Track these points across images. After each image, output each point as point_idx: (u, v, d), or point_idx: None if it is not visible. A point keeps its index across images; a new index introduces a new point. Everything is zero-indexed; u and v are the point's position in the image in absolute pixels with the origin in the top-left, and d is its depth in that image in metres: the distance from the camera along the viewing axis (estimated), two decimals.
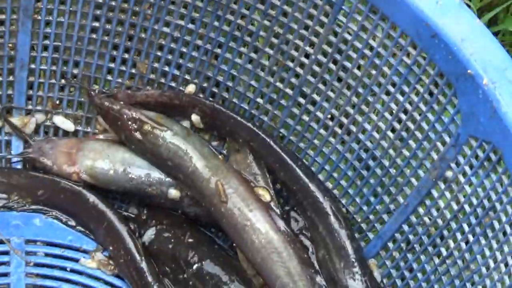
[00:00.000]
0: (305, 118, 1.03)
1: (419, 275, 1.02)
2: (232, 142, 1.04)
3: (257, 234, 0.97)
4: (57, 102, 1.07)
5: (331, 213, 0.99)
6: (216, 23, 1.04)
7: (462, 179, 0.93)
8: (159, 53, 1.03)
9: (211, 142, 1.06)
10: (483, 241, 0.93)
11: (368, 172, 1.03)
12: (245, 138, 1.02)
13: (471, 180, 0.92)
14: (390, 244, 1.02)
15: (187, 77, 1.05)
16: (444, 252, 0.97)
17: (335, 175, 1.05)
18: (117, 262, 1.02)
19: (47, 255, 1.02)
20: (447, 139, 0.93)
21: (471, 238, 0.94)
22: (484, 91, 0.86)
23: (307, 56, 1.02)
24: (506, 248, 0.90)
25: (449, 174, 0.94)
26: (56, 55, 1.05)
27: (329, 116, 1.04)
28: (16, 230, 1.04)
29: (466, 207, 0.94)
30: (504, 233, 0.89)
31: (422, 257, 1.00)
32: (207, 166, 0.99)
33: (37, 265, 1.01)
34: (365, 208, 1.02)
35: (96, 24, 1.03)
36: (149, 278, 0.99)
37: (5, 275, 1.01)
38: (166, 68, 1.05)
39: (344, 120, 1.03)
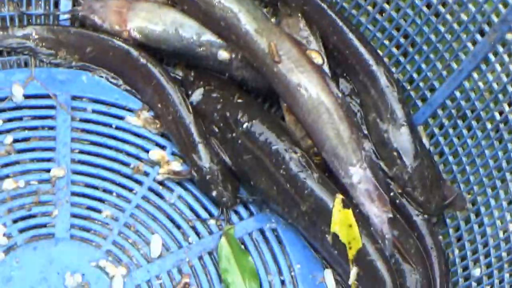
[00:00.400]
0: None
1: (469, 141, 1.02)
2: (284, 7, 1.03)
3: (310, 94, 0.97)
4: None
5: (383, 77, 0.99)
6: None
7: None
8: None
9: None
10: None
11: (422, 39, 1.03)
12: (298, 2, 1.02)
13: None
14: (440, 111, 1.03)
15: None
16: (497, 116, 0.97)
17: (386, 42, 1.05)
18: (165, 120, 1.02)
19: (93, 111, 1.01)
20: (510, 0, 0.94)
21: None
22: None
23: None
24: None
25: (509, 36, 0.94)
26: None
27: None
28: (63, 85, 1.04)
29: None
30: None
31: (474, 123, 1.01)
32: (261, 28, 0.99)
33: (83, 120, 1.01)
34: (415, 75, 1.03)
35: None
36: (196, 137, 1.00)
37: (52, 128, 1.01)
38: None
39: None
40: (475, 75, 0.99)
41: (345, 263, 0.98)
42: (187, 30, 1.00)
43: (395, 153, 1.00)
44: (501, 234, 1.00)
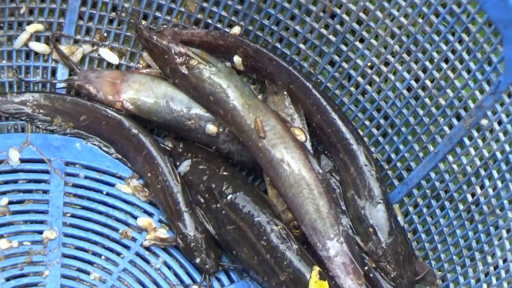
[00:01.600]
0: (345, 65, 1.05)
1: (442, 220, 1.05)
2: (271, 85, 1.06)
3: (292, 170, 1.00)
4: (105, 34, 1.09)
5: (363, 156, 1.02)
6: None
7: (497, 127, 0.95)
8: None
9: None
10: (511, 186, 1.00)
11: (401, 121, 1.06)
12: (284, 81, 1.06)
13: (506, 128, 0.94)
14: (415, 191, 1.05)
15: (233, 18, 1.08)
16: (469, 198, 1.00)
17: (367, 122, 1.07)
18: (153, 189, 1.05)
19: (85, 177, 1.04)
20: (486, 87, 0.96)
21: (499, 184, 0.97)
22: None
23: (354, 2, 1.02)
24: None
25: (484, 122, 0.97)
26: None
27: (368, 64, 1.06)
28: (57, 151, 1.06)
29: (498, 154, 0.97)
30: None
31: (446, 203, 1.03)
32: (247, 104, 1.02)
33: (75, 185, 1.04)
34: (393, 155, 1.06)
35: None
36: (183, 206, 1.02)
37: (45, 192, 1.03)
38: (214, 9, 1.07)
39: (384, 68, 1.05)
40: (450, 157, 1.02)
41: None
42: (177, 103, 1.04)
43: (371, 229, 1.02)
44: None
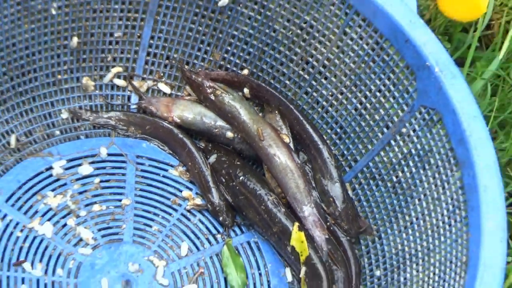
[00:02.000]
0: (315, 94, 1.19)
1: (377, 193, 1.16)
2: (267, 107, 1.21)
3: (280, 161, 1.13)
4: (161, 74, 1.22)
5: (326, 152, 1.15)
6: (266, 30, 1.16)
7: (412, 133, 1.09)
8: (228, 48, 1.18)
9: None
10: (421, 171, 1.08)
11: (350, 129, 1.18)
12: (275, 104, 1.18)
13: (418, 134, 1.09)
14: (359, 175, 1.18)
15: (243, 64, 1.20)
16: (394, 178, 1.12)
17: (328, 131, 1.20)
18: (192, 172, 1.19)
19: (149, 165, 1.17)
20: (405, 108, 1.10)
21: (413, 170, 1.10)
22: (435, 76, 1.01)
23: (321, 54, 1.14)
24: (436, 175, 1.06)
25: (403, 130, 1.10)
26: (165, 44, 1.19)
27: (330, 93, 1.17)
28: (131, 149, 1.20)
29: (413, 150, 1.09)
30: (437, 166, 1.06)
31: (380, 182, 1.15)
32: (252, 119, 1.16)
33: (143, 170, 1.19)
34: (345, 152, 1.19)
35: (192, 26, 1.17)
36: (211, 184, 1.17)
37: (123, 174, 1.18)
38: (231, 58, 1.20)
39: (339, 96, 1.17)
40: (382, 153, 1.14)
41: (298, 264, 1.12)
42: (208, 118, 1.18)
43: (331, 199, 1.15)
44: (393, 250, 1.13)
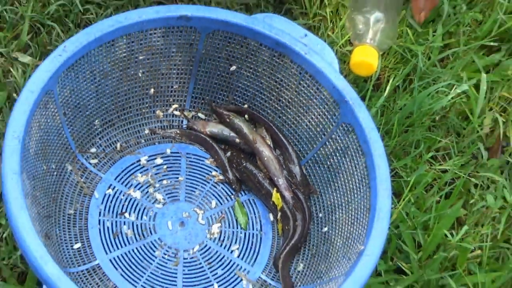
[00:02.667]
0: (284, 117, 1.31)
1: (319, 171, 1.28)
2: (258, 125, 1.33)
3: (266, 154, 1.27)
4: (199, 108, 1.35)
5: (290, 149, 1.28)
6: (256, 83, 1.29)
7: (338, 138, 1.20)
8: (236, 93, 1.32)
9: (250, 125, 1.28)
10: (343, 158, 1.21)
11: (304, 135, 1.29)
12: (262, 123, 1.32)
13: (341, 138, 1.21)
14: (309, 161, 1.29)
15: (244, 102, 1.32)
16: (328, 163, 1.24)
17: (292, 137, 1.31)
18: (217, 162, 1.30)
19: (194, 158, 1.31)
20: (334, 123, 1.20)
21: (339, 157, 1.22)
22: (350, 106, 1.12)
23: (287, 95, 1.25)
24: (352, 160, 1.18)
25: (333, 136, 1.21)
26: (201, 91, 1.32)
27: (292, 117, 1.28)
28: (184, 149, 1.30)
29: (339, 147, 1.21)
30: (352, 155, 1.19)
31: (319, 165, 1.27)
32: (250, 132, 1.29)
33: (191, 160, 1.31)
34: (301, 148, 1.30)
35: (216, 81, 1.30)
36: (227, 167, 1.29)
37: (179, 163, 1.28)
38: (238, 98, 1.31)
39: (298, 118, 1.26)
40: (321, 149, 1.27)
41: (276, 211, 1.24)
42: (226, 131, 1.31)
43: (293, 174, 1.27)
44: (328, 202, 1.28)
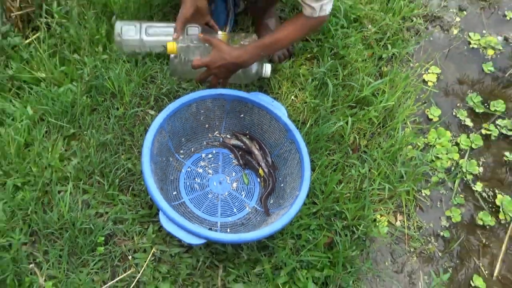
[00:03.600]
0: (264, 137, 1.40)
1: (279, 160, 1.40)
2: (252, 140, 1.42)
3: (255, 152, 1.38)
4: (227, 133, 1.42)
5: (267, 151, 1.41)
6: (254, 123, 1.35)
7: (285, 146, 1.31)
8: (243, 128, 1.36)
9: None
10: (289, 154, 1.32)
11: (273, 144, 1.39)
12: (254, 139, 1.40)
13: (288, 146, 1.30)
14: (275, 156, 1.41)
15: (247, 131, 1.39)
16: (282, 156, 1.35)
17: (266, 145, 1.39)
18: (235, 156, 1.37)
19: (225, 154, 1.38)
20: (285, 139, 1.33)
21: (286, 154, 1.33)
22: (292, 132, 1.27)
23: (264, 127, 1.34)
24: (291, 153, 1.30)
25: (285, 145, 1.33)
26: (229, 125, 1.38)
27: (268, 137, 1.38)
28: (221, 151, 1.41)
29: (286, 150, 1.32)
30: (292, 152, 1.30)
31: (281, 157, 1.36)
32: (249, 143, 1.40)
33: (224, 155, 1.39)
34: (271, 150, 1.37)
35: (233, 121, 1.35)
36: (240, 159, 1.37)
37: (218, 160, 1.37)
38: (244, 129, 1.38)
39: (271, 138, 1.36)
40: (280, 151, 1.33)
41: (261, 178, 1.36)
42: (239, 143, 1.38)
43: (268, 162, 1.37)
44: (284, 173, 1.36)
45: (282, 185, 1.33)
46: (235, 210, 1.32)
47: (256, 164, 1.39)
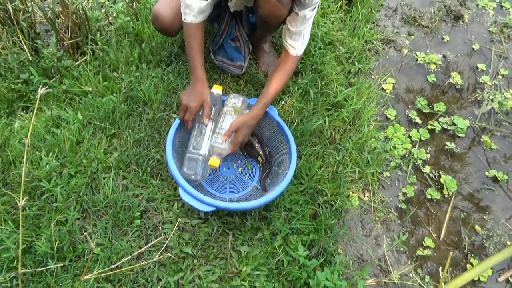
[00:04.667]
0: (262, 133, 1.32)
1: (272, 148, 1.31)
2: (253, 135, 1.32)
3: (255, 144, 1.30)
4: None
5: (264, 143, 1.31)
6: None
7: (278, 138, 1.24)
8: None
9: None
10: (280, 145, 1.26)
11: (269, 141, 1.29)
12: (255, 134, 1.30)
13: (279, 138, 1.26)
14: (270, 146, 1.31)
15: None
16: (274, 147, 1.30)
17: (264, 139, 1.27)
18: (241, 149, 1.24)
19: None
20: (277, 133, 1.26)
21: (279, 145, 1.26)
22: (282, 127, 1.21)
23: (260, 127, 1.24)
24: (282, 144, 1.24)
25: (277, 137, 1.26)
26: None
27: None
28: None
29: (278, 142, 1.27)
30: (283, 143, 1.23)
31: (271, 147, 1.28)
32: (251, 138, 1.32)
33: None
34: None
35: None
36: (244, 150, 1.31)
37: None
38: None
39: (266, 134, 1.29)
40: (272, 142, 1.25)
41: (260, 164, 1.30)
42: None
43: (266, 151, 1.29)
44: (278, 158, 1.29)
45: (276, 168, 1.29)
46: (240, 188, 1.28)
47: (256, 153, 1.34)
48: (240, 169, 1.32)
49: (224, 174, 1.28)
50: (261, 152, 1.32)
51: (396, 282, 1.12)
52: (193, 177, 1.07)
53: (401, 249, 1.23)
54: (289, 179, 1.09)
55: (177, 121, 1.13)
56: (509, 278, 1.17)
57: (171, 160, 1.05)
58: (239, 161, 1.34)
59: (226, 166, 1.30)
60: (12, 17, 1.29)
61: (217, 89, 1.14)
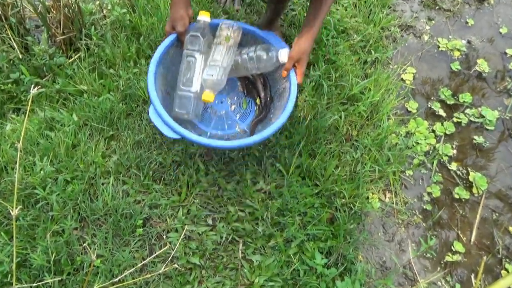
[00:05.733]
0: (269, 76, 1.30)
1: (274, 95, 1.29)
2: (259, 75, 1.32)
3: (259, 84, 1.30)
4: None
5: (268, 86, 1.30)
6: None
7: (283, 86, 1.22)
8: None
9: None
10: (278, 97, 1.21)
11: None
12: (261, 75, 1.29)
13: (283, 85, 1.26)
14: (273, 91, 1.31)
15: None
16: (276, 93, 1.27)
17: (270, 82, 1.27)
18: (242, 84, 1.28)
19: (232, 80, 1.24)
20: (284, 78, 1.22)
21: (281, 91, 1.24)
22: (290, 76, 1.20)
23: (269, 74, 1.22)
24: (284, 93, 1.18)
25: (282, 85, 1.24)
26: None
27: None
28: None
29: (282, 87, 1.25)
30: (285, 92, 1.22)
31: (275, 93, 1.24)
32: (256, 76, 1.30)
33: (230, 81, 1.28)
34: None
35: None
36: (245, 86, 1.29)
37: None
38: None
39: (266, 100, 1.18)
40: (274, 92, 1.23)
41: (256, 105, 1.32)
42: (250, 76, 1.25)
43: (268, 94, 1.29)
44: (276, 103, 1.21)
45: (271, 116, 1.26)
46: (226, 126, 1.26)
47: (256, 93, 1.31)
48: (233, 107, 1.28)
49: (214, 107, 1.25)
50: (262, 94, 1.29)
51: None
52: (185, 116, 1.02)
53: (428, 254, 1.21)
54: (278, 126, 1.07)
55: (170, 37, 1.07)
56: None
57: (151, 75, 1.02)
58: (235, 98, 1.30)
59: (219, 99, 1.26)
60: (0, 12, 1.26)
61: (204, 16, 1.01)
